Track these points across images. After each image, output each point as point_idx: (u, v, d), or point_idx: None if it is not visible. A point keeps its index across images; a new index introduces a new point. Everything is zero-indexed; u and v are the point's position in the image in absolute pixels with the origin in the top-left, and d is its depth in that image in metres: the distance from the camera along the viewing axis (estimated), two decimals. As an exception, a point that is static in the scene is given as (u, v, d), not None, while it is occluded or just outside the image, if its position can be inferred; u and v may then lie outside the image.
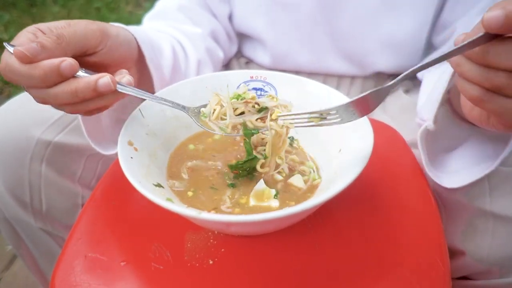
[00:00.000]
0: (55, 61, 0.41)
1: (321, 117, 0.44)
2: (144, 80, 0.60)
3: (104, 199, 0.52)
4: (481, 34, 0.31)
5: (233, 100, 0.47)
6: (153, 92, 0.58)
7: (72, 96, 0.42)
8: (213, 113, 0.48)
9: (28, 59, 0.40)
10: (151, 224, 0.48)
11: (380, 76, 0.81)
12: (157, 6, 0.79)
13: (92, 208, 0.51)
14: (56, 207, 0.69)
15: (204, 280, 0.43)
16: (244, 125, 0.47)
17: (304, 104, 0.56)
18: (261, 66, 0.84)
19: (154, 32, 0.68)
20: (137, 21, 0.65)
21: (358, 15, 0.71)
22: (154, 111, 0.53)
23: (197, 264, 0.44)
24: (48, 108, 0.65)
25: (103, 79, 0.42)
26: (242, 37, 0.85)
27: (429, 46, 0.76)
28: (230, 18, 0.82)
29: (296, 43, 0.77)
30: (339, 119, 0.43)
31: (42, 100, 0.44)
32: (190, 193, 0.48)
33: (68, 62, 0.41)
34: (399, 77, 0.39)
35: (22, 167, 0.63)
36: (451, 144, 0.55)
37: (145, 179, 0.44)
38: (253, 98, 0.47)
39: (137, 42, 0.55)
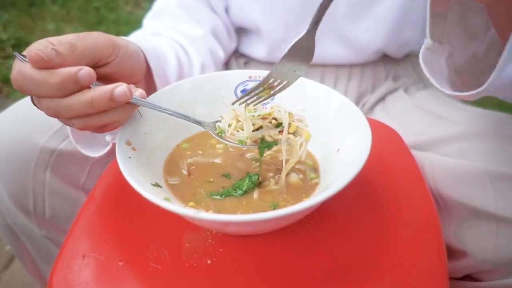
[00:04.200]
0: (72, 68, 0.40)
1: (269, 88, 0.47)
2: (151, 93, 0.60)
3: (102, 199, 0.52)
4: None
5: (251, 115, 0.48)
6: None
7: (87, 107, 0.41)
8: (229, 127, 0.49)
9: (43, 63, 0.39)
10: (149, 224, 0.48)
11: (377, 63, 0.81)
12: (157, 5, 0.78)
13: (90, 208, 0.51)
14: (60, 214, 0.68)
15: (202, 280, 0.43)
16: (261, 139, 0.48)
17: (302, 104, 0.56)
18: (259, 61, 0.84)
19: (156, 38, 0.67)
20: (136, 21, 0.65)
21: None
22: (153, 111, 0.53)
23: (195, 264, 0.44)
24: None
25: (120, 87, 0.41)
26: (238, 32, 0.86)
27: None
28: (227, 11, 0.82)
29: (291, 29, 0.77)
30: (285, 82, 0.46)
31: (54, 112, 0.42)
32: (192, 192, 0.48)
33: (87, 70, 0.40)
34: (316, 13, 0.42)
35: (26, 175, 0.63)
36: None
37: (143, 179, 0.44)
38: (270, 114, 0.48)
39: (144, 55, 0.55)
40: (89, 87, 0.42)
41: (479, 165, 0.54)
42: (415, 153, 0.62)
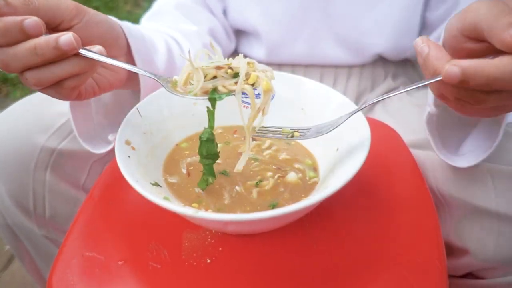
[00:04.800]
0: (18, 17, 0.39)
1: (294, 132, 0.48)
2: (136, 78, 0.58)
3: (102, 198, 0.52)
4: (439, 78, 0.37)
5: (204, 65, 0.44)
6: (139, 89, 0.57)
7: (31, 54, 0.39)
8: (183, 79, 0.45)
9: None
10: (148, 223, 0.48)
11: (376, 64, 0.81)
12: (155, 6, 0.78)
13: (90, 207, 0.51)
14: (60, 214, 0.68)
15: (201, 279, 0.43)
16: (214, 90, 0.44)
17: (302, 103, 0.56)
18: (258, 61, 0.84)
19: (149, 30, 0.67)
20: (136, 21, 0.65)
21: None
22: (152, 110, 0.53)
23: (195, 263, 0.44)
24: (51, 114, 0.64)
25: (65, 35, 0.40)
26: (237, 34, 0.86)
27: (424, 24, 0.77)
28: (225, 13, 0.82)
29: (290, 31, 0.77)
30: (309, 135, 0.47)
31: (2, 63, 0.41)
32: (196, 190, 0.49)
33: (33, 19, 0.39)
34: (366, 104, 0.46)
35: (26, 175, 0.62)
36: (464, 130, 0.55)
37: (143, 178, 0.44)
38: (227, 64, 0.45)
39: (123, 32, 0.53)
40: None
41: (480, 162, 0.54)
42: (415, 151, 0.62)
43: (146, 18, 0.77)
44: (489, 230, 0.54)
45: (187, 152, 0.55)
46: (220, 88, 0.44)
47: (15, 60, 0.40)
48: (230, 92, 0.44)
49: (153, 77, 0.46)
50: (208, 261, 0.44)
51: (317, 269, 0.43)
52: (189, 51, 0.44)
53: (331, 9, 0.73)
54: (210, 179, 0.48)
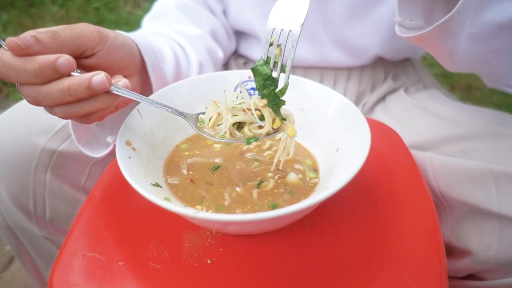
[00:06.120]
0: (51, 56, 0.40)
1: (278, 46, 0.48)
2: (148, 89, 0.60)
3: (102, 199, 0.52)
4: None
5: (233, 106, 0.47)
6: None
7: (65, 94, 0.40)
8: (210, 120, 0.48)
9: (21, 50, 0.39)
10: (149, 224, 0.49)
11: (376, 65, 0.81)
12: (156, 7, 0.79)
13: (90, 208, 0.51)
14: (60, 215, 0.68)
15: (202, 279, 0.43)
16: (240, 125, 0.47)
17: (302, 104, 0.56)
18: None
19: (154, 36, 0.67)
20: (136, 21, 0.65)
21: (350, 1, 0.71)
22: (153, 111, 0.53)
23: (195, 264, 0.44)
24: (52, 116, 0.64)
25: (98, 76, 0.41)
26: (237, 34, 0.86)
27: None
28: (225, 14, 0.82)
29: None
30: (289, 36, 0.47)
31: (34, 100, 0.42)
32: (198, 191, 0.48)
33: (66, 58, 0.40)
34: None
35: (26, 176, 0.63)
36: None
37: (143, 179, 0.45)
38: (254, 104, 0.47)
39: (138, 49, 0.54)
40: (70, 76, 0.41)
41: (482, 164, 0.54)
42: (416, 153, 0.62)
43: (147, 19, 0.77)
44: (491, 232, 0.54)
45: (187, 153, 0.55)
46: (246, 129, 0.47)
47: (47, 98, 0.41)
48: (257, 136, 0.47)
49: (181, 116, 0.49)
50: (209, 261, 0.44)
51: (317, 269, 0.43)
52: (224, 91, 0.46)
53: (330, 12, 0.74)
54: (283, 103, 0.47)
